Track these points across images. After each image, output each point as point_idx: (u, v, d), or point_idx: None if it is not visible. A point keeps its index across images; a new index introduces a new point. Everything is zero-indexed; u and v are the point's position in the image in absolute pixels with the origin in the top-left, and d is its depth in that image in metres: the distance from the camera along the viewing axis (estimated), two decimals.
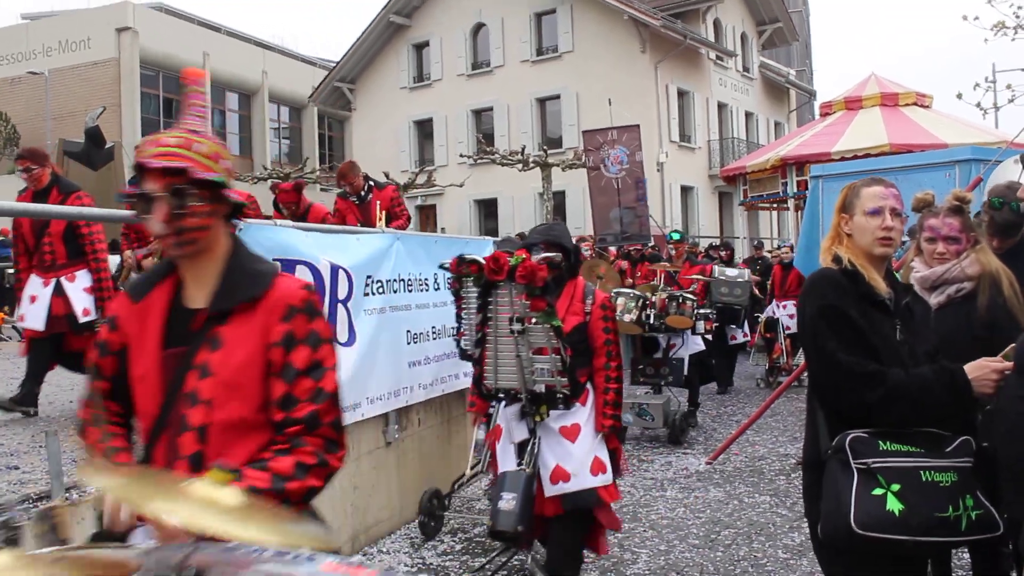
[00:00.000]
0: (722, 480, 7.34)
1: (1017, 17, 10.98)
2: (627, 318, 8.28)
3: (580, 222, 25.40)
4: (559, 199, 25.73)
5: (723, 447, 8.16)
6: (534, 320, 4.16)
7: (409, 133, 31.94)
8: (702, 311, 9.07)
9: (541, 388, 4.28)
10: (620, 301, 8.36)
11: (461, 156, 27.97)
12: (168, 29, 34.41)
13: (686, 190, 29.55)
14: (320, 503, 2.17)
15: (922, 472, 2.71)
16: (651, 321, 8.55)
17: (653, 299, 8.66)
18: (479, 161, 26.07)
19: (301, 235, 5.00)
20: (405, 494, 6.11)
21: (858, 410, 2.78)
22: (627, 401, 7.60)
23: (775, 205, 22.71)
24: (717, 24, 31.28)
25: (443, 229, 28.33)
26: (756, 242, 18.01)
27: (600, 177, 21.29)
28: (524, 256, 4.09)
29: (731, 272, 11.01)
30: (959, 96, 11.20)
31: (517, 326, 4.18)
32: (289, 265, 4.86)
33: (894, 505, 2.66)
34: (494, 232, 26.84)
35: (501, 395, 4.44)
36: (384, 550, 5.68)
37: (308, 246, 5.00)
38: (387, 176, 25.99)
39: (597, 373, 4.42)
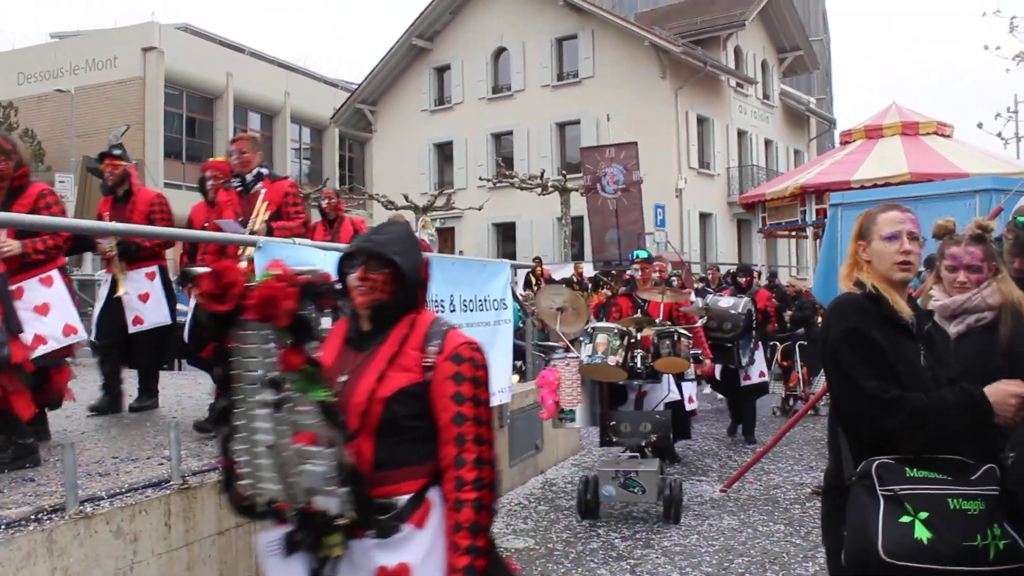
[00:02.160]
0: (736, 508, 7.28)
1: None
2: (612, 361, 6.79)
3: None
4: (578, 224, 25.77)
5: (738, 475, 8.11)
6: (289, 385, 2.37)
7: (429, 156, 32.11)
8: (695, 351, 7.49)
9: (329, 504, 2.37)
10: (602, 339, 6.85)
11: (480, 179, 28.11)
12: (193, 49, 34.84)
13: (704, 217, 29.53)
14: None
15: (949, 500, 2.66)
16: (638, 364, 7.05)
17: (637, 336, 7.17)
18: (498, 185, 26.21)
19: (319, 254, 5.02)
20: None
21: (880, 436, 2.74)
22: (608, 469, 6.84)
23: (794, 233, 22.66)
24: (738, 51, 31.37)
25: (461, 252, 28.42)
26: (771, 271, 17.82)
27: (596, 198, 20.89)
28: (278, 271, 2.37)
29: (725, 303, 9.45)
30: (979, 126, 11.25)
31: (268, 394, 2.37)
32: None
33: (922, 533, 2.61)
34: (512, 255, 26.89)
35: (265, 511, 2.49)
36: None
37: (326, 264, 5.02)
38: (407, 199, 26.30)
39: (445, 473, 2.51)
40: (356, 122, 34.25)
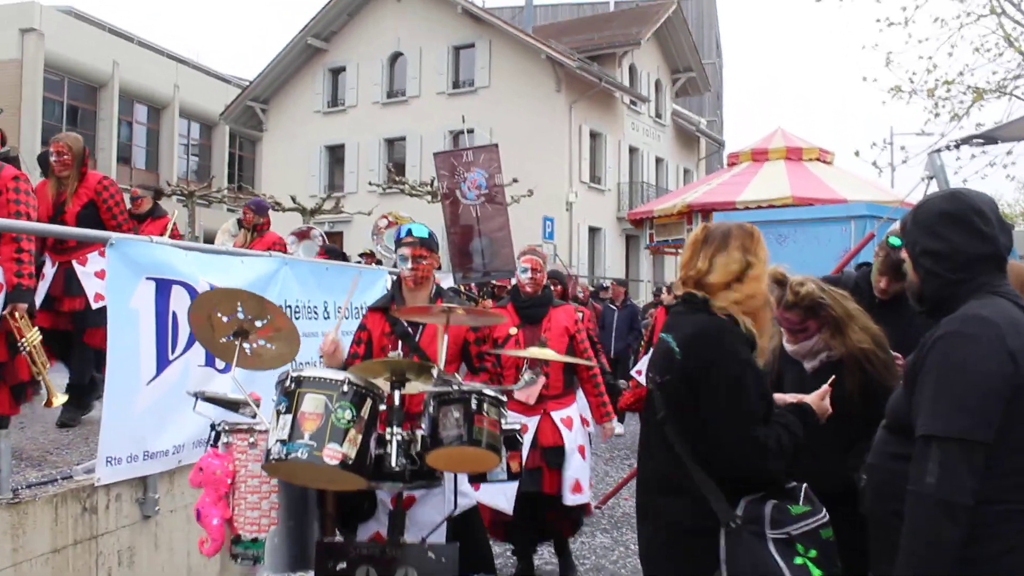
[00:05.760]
0: (610, 526, 7.25)
1: (912, 82, 11.40)
2: (331, 455, 3.03)
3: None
4: None
5: (613, 491, 8.08)
6: None
7: (320, 158, 31.55)
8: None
9: None
10: (311, 406, 3.21)
11: (371, 184, 27.75)
12: (76, 34, 33.37)
13: (594, 231, 29.78)
14: None
15: (821, 531, 2.66)
16: (392, 459, 3.36)
17: (396, 396, 3.52)
18: (388, 190, 25.87)
19: (179, 254, 4.76)
20: None
21: (762, 478, 2.67)
22: None
23: (680, 250, 23.02)
24: (633, 69, 31.78)
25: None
26: (656, 288, 17.76)
27: (456, 204, 19.63)
28: None
29: None
30: (856, 154, 11.60)
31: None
32: (165, 285, 4.63)
33: (816, 572, 2.59)
34: None
35: None
36: None
37: (186, 265, 4.76)
38: (294, 200, 25.68)
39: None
40: (247, 120, 33.44)
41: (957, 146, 7.16)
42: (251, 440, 3.55)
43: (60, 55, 32.08)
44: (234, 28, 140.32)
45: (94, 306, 5.98)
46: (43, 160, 6.59)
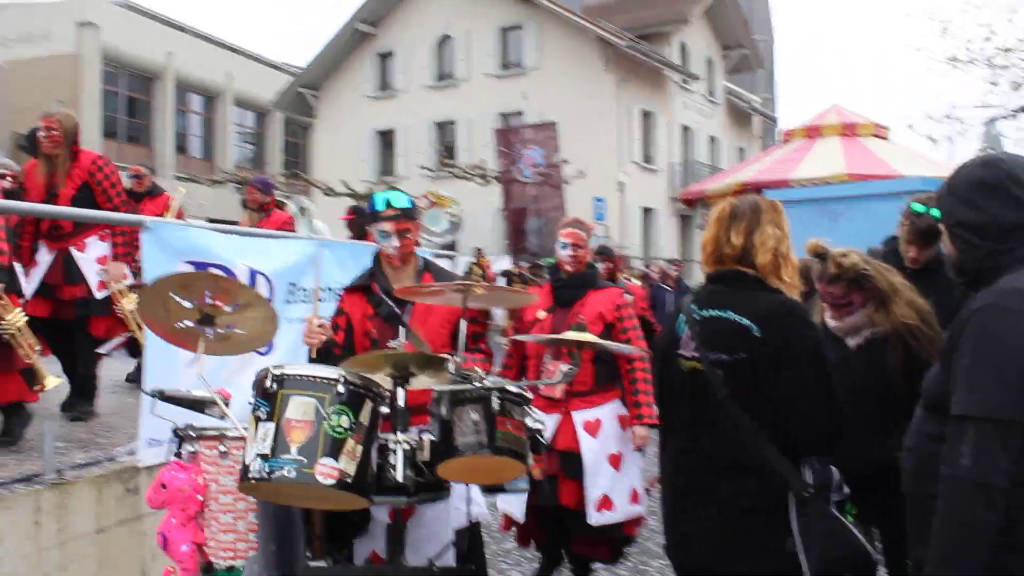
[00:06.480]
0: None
1: (969, 51, 11.07)
2: (324, 472, 2.55)
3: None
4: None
5: None
6: None
7: (371, 143, 31.72)
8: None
9: None
10: (296, 411, 2.66)
11: (421, 168, 27.82)
12: (132, 26, 33.88)
13: (647, 211, 29.55)
14: None
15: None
16: (397, 471, 2.91)
17: (400, 395, 3.05)
18: (439, 174, 25.91)
19: (217, 237, 4.80)
20: None
21: (833, 443, 2.78)
22: None
23: None
24: (683, 48, 31.43)
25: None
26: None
27: (512, 184, 18.47)
28: None
29: None
30: (910, 127, 11.33)
31: None
32: (201, 268, 4.66)
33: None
34: (452, 246, 26.64)
35: None
36: None
37: (223, 248, 4.80)
38: (346, 185, 25.82)
39: None
40: (298, 107, 33.70)
41: (1014, 115, 6.93)
42: (222, 449, 3.00)
43: (116, 47, 32.62)
44: (286, 15, 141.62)
45: (97, 295, 5.71)
46: (31, 139, 6.07)
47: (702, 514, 2.83)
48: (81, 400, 5.86)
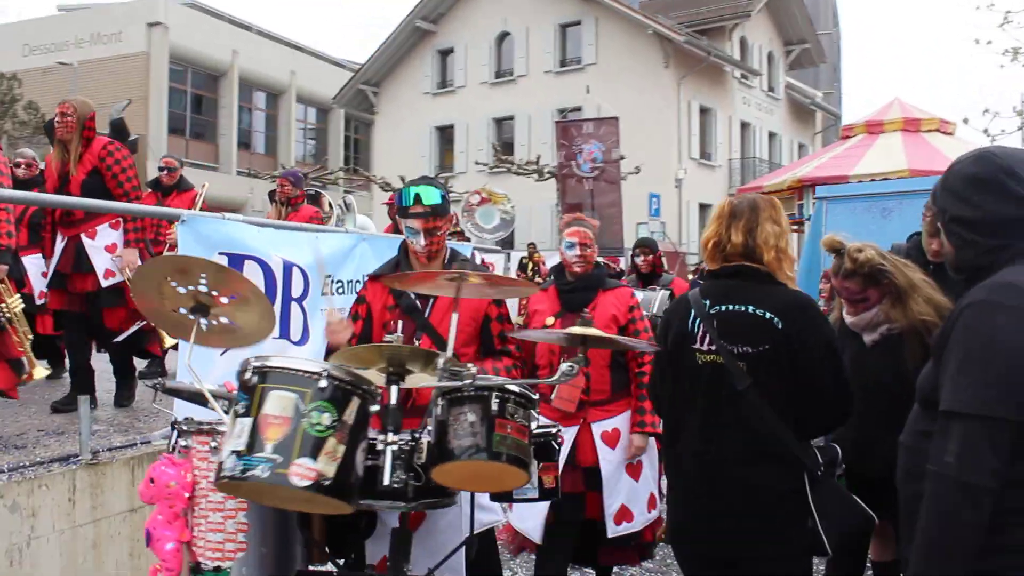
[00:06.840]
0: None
1: None
2: (298, 473, 2.41)
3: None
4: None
5: None
6: None
7: (430, 139, 31.96)
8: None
9: None
10: (275, 407, 2.51)
11: (478, 164, 27.96)
12: (198, 26, 34.67)
13: (704, 208, 29.30)
14: None
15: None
16: (387, 474, 2.67)
17: (395, 391, 2.88)
18: (495, 170, 26.01)
19: (252, 230, 4.90)
20: None
21: (842, 424, 2.99)
22: None
23: (793, 226, 22.45)
24: (744, 42, 31.09)
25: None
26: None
27: (569, 178, 18.74)
28: None
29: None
30: (965, 121, 11.07)
31: None
32: (237, 260, 4.77)
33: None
34: (508, 243, 26.74)
35: None
36: None
37: (259, 242, 4.90)
38: (403, 180, 26.03)
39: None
40: (359, 103, 34.07)
41: None
42: (213, 444, 2.82)
43: (183, 46, 33.39)
44: (348, 13, 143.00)
45: (104, 283, 5.65)
46: (49, 127, 6.09)
47: (726, 503, 2.87)
48: (124, 388, 6.02)
